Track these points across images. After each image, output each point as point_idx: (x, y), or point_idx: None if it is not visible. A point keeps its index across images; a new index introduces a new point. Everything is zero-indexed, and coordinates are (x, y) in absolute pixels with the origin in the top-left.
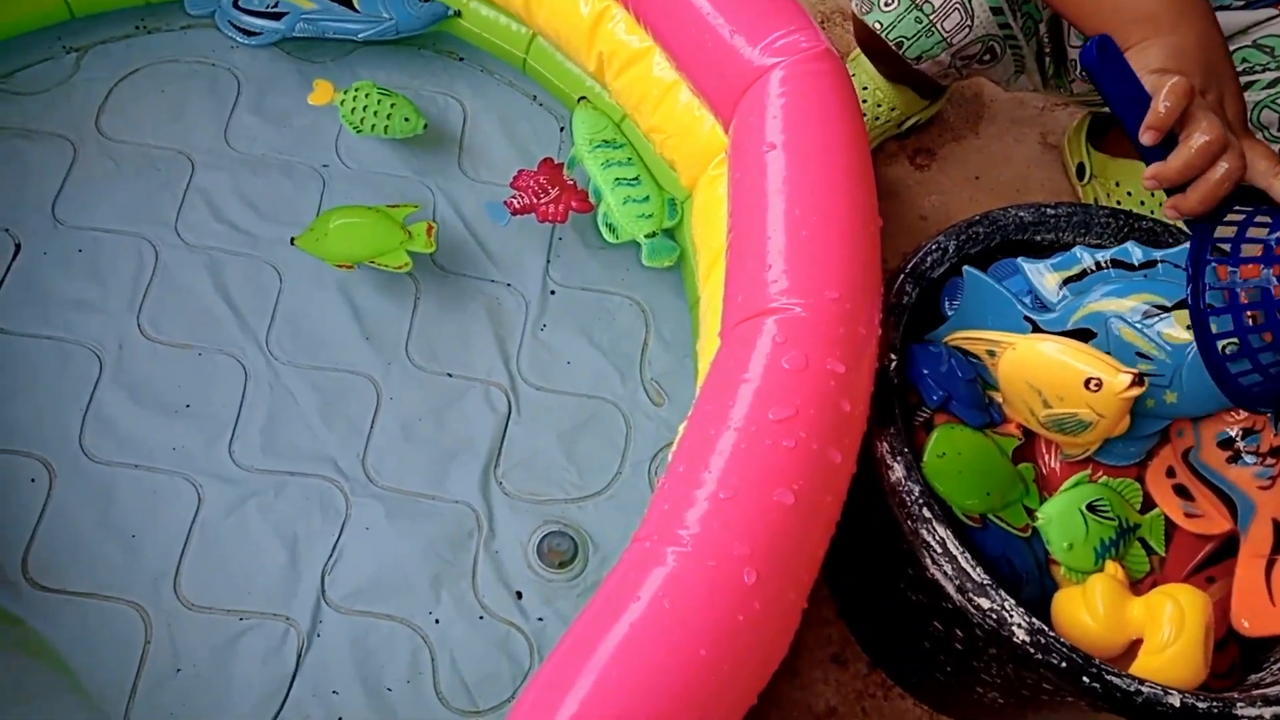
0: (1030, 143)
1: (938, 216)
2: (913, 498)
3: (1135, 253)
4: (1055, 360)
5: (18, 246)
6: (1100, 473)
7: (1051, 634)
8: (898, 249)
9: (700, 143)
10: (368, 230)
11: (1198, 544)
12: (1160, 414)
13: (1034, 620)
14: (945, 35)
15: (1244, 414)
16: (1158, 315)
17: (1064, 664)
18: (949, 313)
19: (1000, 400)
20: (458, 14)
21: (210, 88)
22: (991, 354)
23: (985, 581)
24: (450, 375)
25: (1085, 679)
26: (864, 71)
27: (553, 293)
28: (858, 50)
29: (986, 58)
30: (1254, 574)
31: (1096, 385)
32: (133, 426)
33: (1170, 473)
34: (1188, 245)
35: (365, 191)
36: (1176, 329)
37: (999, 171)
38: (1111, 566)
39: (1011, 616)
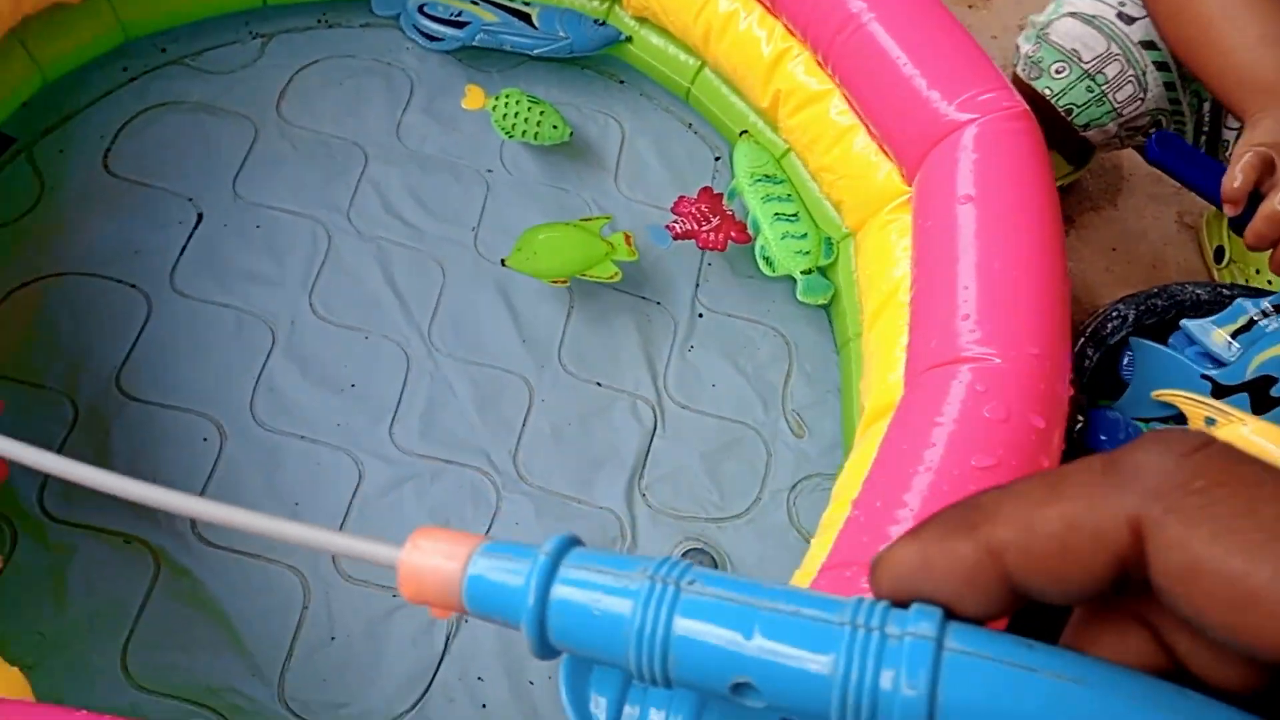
0: (1166, 221)
1: (1075, 281)
2: None
3: None
4: None
5: (200, 216)
6: None
7: None
8: None
9: (874, 187)
10: (574, 244)
11: None
12: None
13: None
14: (1116, 106)
15: None
16: None
17: None
18: (1125, 376)
19: None
20: (629, 39)
21: (385, 85)
22: (1210, 422)
23: None
24: (599, 384)
25: None
26: None
27: (700, 315)
28: None
29: (1151, 131)
30: None
31: None
32: (301, 399)
33: None
34: None
35: (525, 200)
36: None
37: (1134, 246)
38: None
39: None
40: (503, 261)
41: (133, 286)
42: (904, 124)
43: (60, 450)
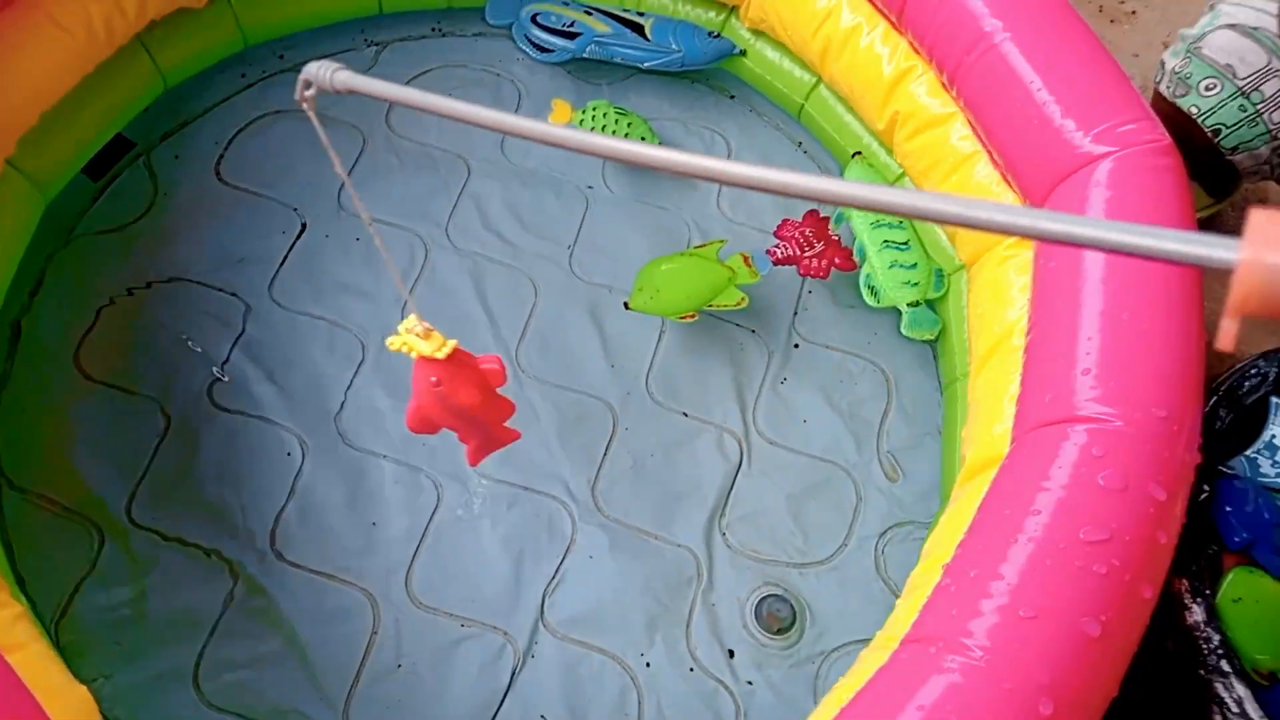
0: None
1: (1209, 324)
2: (1211, 646)
3: None
4: None
5: (303, 226)
6: None
7: None
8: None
9: None
10: (695, 275)
11: None
12: None
13: None
14: (1272, 128)
15: None
16: None
17: None
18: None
19: None
20: (743, 53)
21: (494, 96)
22: None
23: None
24: (686, 415)
25: None
26: None
27: (796, 346)
28: None
29: None
30: None
31: None
32: (385, 417)
33: None
34: None
35: (624, 217)
36: None
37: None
38: None
39: None
40: (626, 305)
41: (233, 295)
42: (1032, 153)
43: (151, 461)
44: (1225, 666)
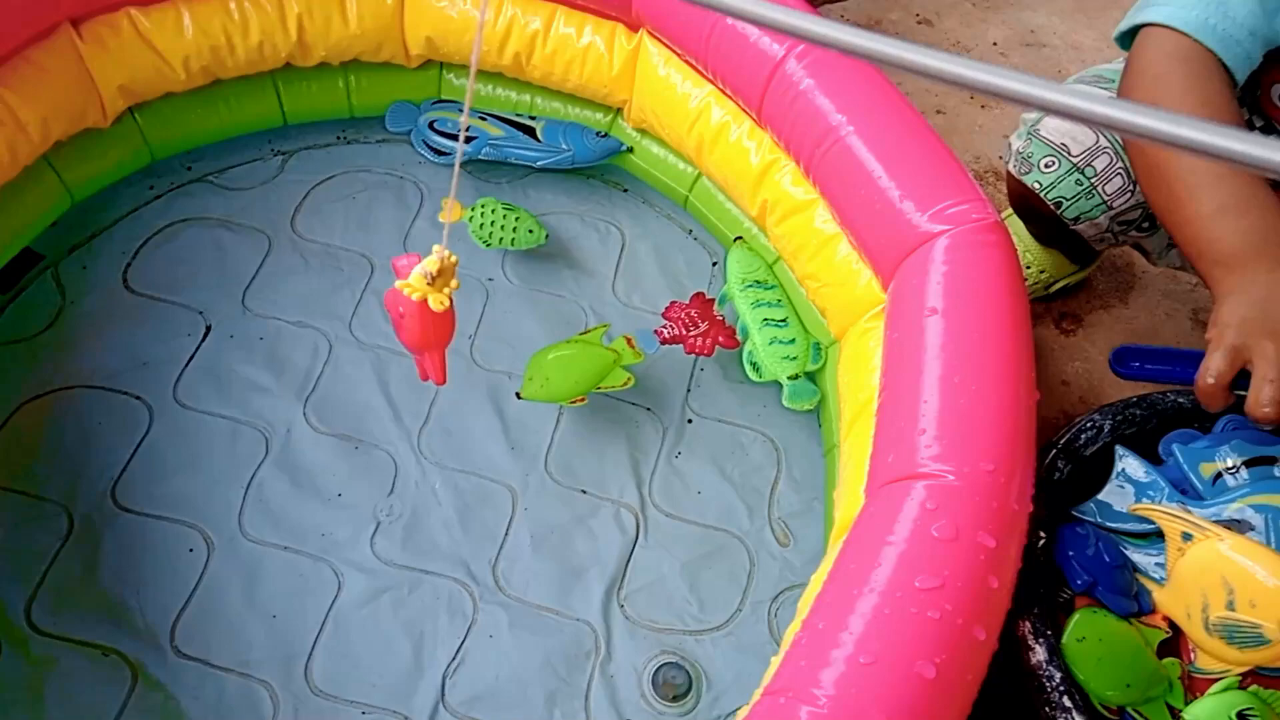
0: (1180, 318)
1: (1080, 383)
2: (1053, 684)
3: None
4: (1269, 563)
5: (208, 329)
6: (1252, 680)
7: None
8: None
9: (855, 295)
10: (582, 360)
11: None
12: None
13: None
14: (1106, 199)
15: None
16: None
17: None
18: (1166, 457)
19: (1151, 588)
20: (630, 150)
21: (397, 198)
22: (1187, 537)
23: None
24: (584, 492)
25: None
26: (1014, 232)
27: (690, 421)
28: (1009, 210)
29: (1145, 225)
30: None
31: None
32: (288, 509)
33: None
34: None
35: (523, 307)
36: None
37: (1146, 343)
38: None
39: None
40: (518, 394)
41: (137, 398)
42: (878, 234)
43: (52, 563)
44: (1067, 702)
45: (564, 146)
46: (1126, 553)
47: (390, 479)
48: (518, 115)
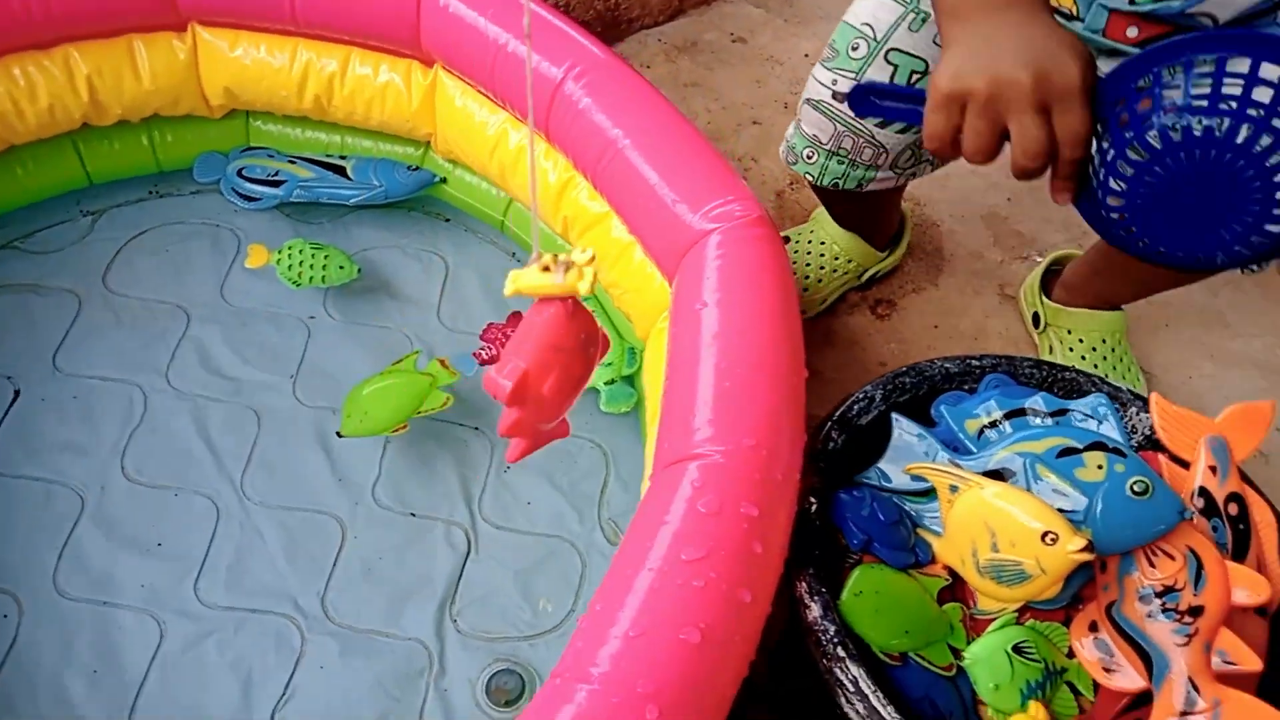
0: (989, 294)
1: (897, 362)
2: (828, 636)
3: (1041, 404)
4: (1021, 504)
5: (16, 393)
6: (1028, 616)
7: None
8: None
9: (652, 298)
10: (399, 390)
11: (1124, 692)
12: None
13: None
14: (868, 163)
15: (1165, 570)
16: (1070, 456)
17: None
18: (937, 419)
19: (930, 540)
20: (443, 180)
21: (212, 246)
22: (954, 489)
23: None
24: (414, 515)
25: None
26: (823, 227)
27: None
28: (820, 207)
29: (929, 158)
30: None
31: (1053, 539)
32: (105, 564)
33: (1093, 626)
34: (1098, 395)
35: (347, 342)
36: (1089, 469)
37: (957, 321)
38: (1034, 708)
39: None
40: (339, 433)
41: None
42: (659, 237)
43: None
44: (841, 652)
45: (376, 183)
46: (909, 510)
47: (212, 523)
48: (328, 156)
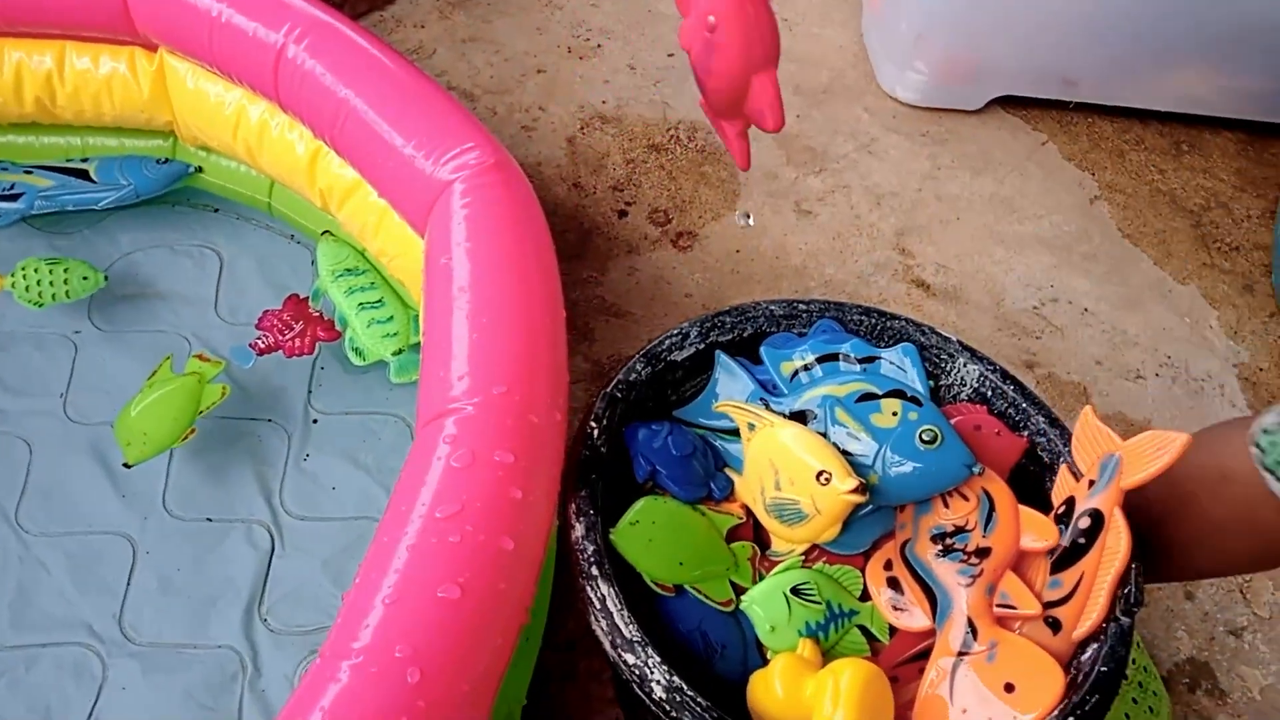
0: (786, 212)
1: (703, 293)
2: (585, 555)
3: (850, 350)
4: (802, 443)
5: None
6: (822, 558)
7: (690, 694)
8: (667, 329)
9: (419, 260)
10: (169, 400)
11: (918, 635)
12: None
13: (674, 679)
14: None
15: (958, 510)
16: (869, 401)
17: None
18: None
19: (735, 478)
20: (199, 170)
21: None
22: (752, 427)
23: (635, 639)
24: (210, 520)
25: None
26: None
27: (315, 421)
28: None
29: None
30: (939, 675)
31: (826, 479)
32: None
33: (888, 565)
34: (906, 345)
35: (120, 350)
36: (884, 415)
37: (758, 242)
38: (802, 645)
39: (653, 673)
40: (126, 464)
41: None
42: (405, 192)
43: None
44: (594, 571)
45: (124, 182)
46: (721, 448)
47: None
48: (69, 160)
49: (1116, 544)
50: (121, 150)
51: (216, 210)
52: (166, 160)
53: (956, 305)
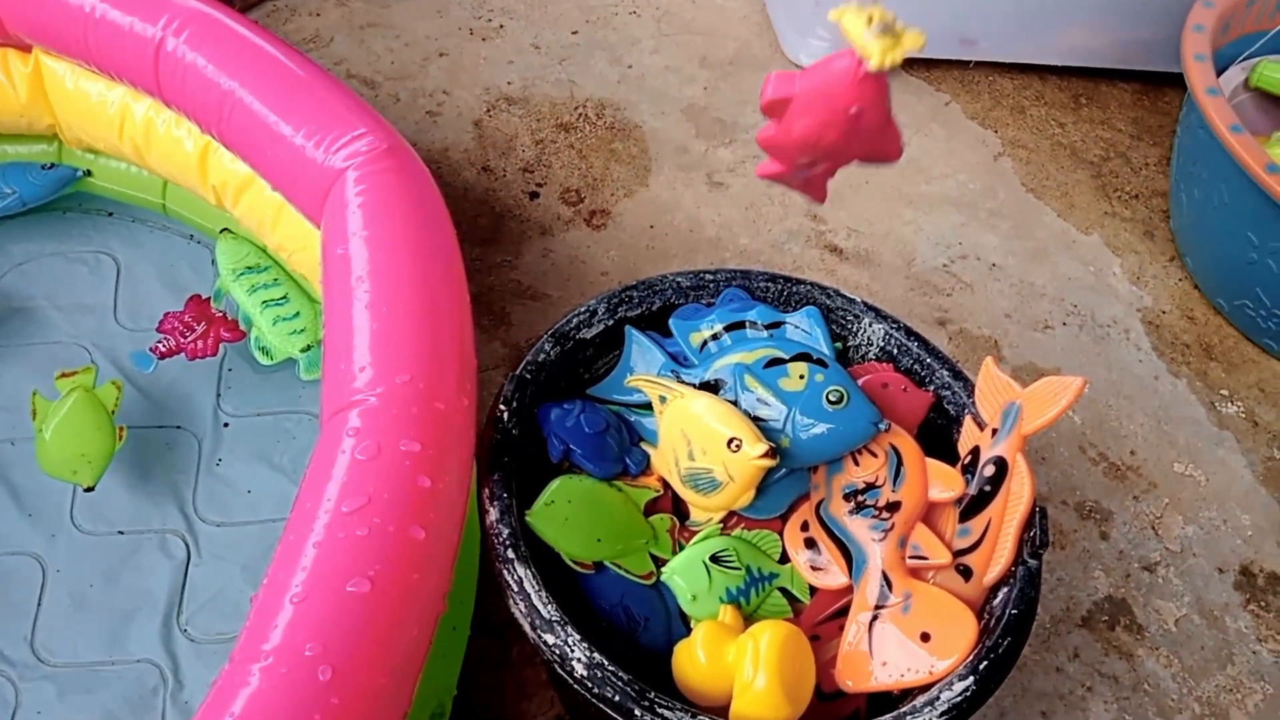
0: (698, 185)
1: (618, 270)
2: (501, 538)
3: (756, 317)
4: (712, 412)
5: None
6: (740, 525)
7: (611, 669)
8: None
9: (318, 253)
10: (75, 415)
11: (837, 593)
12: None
13: (595, 655)
14: None
15: (868, 467)
16: (776, 366)
17: (617, 696)
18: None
19: (651, 452)
20: (88, 173)
21: None
22: (663, 400)
23: (554, 618)
24: (121, 533)
25: (638, 711)
26: None
27: (226, 425)
28: None
29: None
30: (858, 631)
31: (736, 446)
32: None
33: (804, 526)
34: (810, 309)
35: (16, 367)
36: (791, 379)
37: (671, 216)
38: (723, 611)
39: (573, 652)
40: (87, 489)
41: None
42: (296, 182)
43: None
44: (510, 554)
45: (8, 190)
46: (635, 422)
47: None
48: None
49: (1021, 489)
50: (4, 158)
51: (110, 214)
52: (52, 165)
53: (869, 268)
